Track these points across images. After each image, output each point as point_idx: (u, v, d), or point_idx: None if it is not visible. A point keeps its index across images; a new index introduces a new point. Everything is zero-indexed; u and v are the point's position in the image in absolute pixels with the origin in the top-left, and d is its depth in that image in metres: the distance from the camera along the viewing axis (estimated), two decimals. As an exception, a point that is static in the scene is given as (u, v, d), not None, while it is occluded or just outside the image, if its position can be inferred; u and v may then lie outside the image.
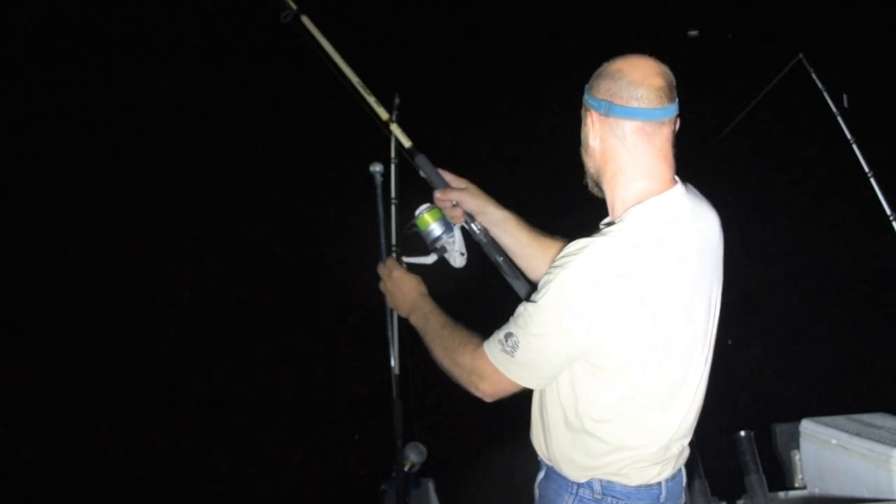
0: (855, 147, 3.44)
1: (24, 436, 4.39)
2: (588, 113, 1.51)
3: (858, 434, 2.56)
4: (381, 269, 1.81)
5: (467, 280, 1.90)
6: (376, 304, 2.00)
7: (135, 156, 5.35)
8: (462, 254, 1.87)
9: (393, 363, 2.49)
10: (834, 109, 3.47)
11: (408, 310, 1.74)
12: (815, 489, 2.73)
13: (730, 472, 2.67)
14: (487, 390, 1.52)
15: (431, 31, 6.09)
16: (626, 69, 1.46)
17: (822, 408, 2.88)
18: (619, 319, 1.38)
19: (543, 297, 1.41)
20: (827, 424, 2.71)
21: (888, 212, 3.35)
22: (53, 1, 5.12)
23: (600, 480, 1.52)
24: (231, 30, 5.17)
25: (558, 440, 1.55)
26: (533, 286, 1.78)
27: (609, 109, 1.46)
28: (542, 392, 1.59)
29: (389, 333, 2.05)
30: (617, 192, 1.51)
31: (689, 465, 2.62)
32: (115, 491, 4.21)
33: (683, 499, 1.62)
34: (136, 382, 4.86)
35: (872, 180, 3.40)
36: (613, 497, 1.52)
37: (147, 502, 4.28)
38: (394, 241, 1.99)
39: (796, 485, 2.81)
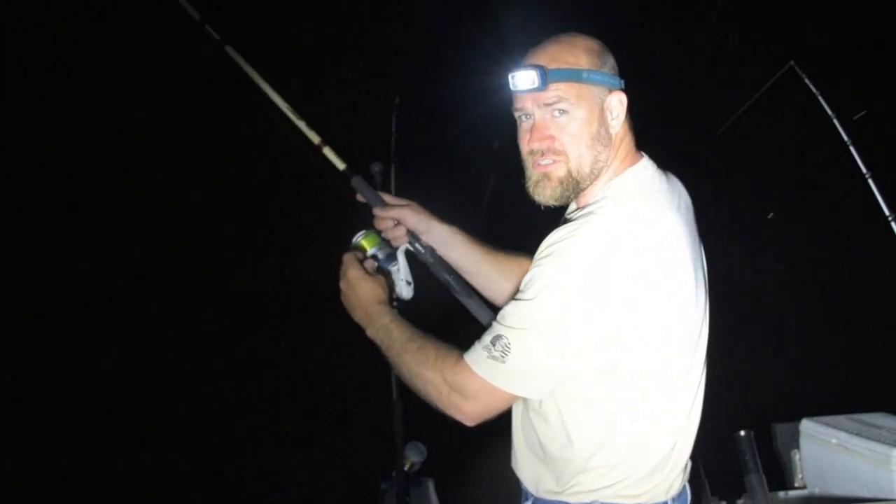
0: (852, 149, 3.46)
1: (24, 440, 4.40)
2: (613, 93, 1.30)
3: (859, 434, 2.55)
4: (341, 267, 1.51)
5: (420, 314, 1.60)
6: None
7: (133, 166, 5.36)
8: (409, 283, 1.62)
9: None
10: (829, 112, 3.49)
11: (363, 318, 1.46)
12: (816, 489, 2.72)
13: (729, 472, 2.67)
14: (472, 410, 1.27)
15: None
16: (597, 41, 1.30)
17: (823, 407, 2.88)
18: (635, 307, 1.18)
19: (538, 288, 1.19)
20: (827, 424, 2.70)
21: (887, 212, 3.36)
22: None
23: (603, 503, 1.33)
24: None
25: (560, 466, 1.35)
26: (488, 304, 1.64)
27: (622, 84, 1.30)
28: (527, 415, 1.38)
29: None
30: (605, 175, 1.34)
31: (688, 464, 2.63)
32: (116, 493, 4.21)
33: None
34: (137, 389, 4.86)
35: (871, 181, 3.41)
36: None
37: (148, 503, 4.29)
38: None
39: (796, 484, 2.81)
